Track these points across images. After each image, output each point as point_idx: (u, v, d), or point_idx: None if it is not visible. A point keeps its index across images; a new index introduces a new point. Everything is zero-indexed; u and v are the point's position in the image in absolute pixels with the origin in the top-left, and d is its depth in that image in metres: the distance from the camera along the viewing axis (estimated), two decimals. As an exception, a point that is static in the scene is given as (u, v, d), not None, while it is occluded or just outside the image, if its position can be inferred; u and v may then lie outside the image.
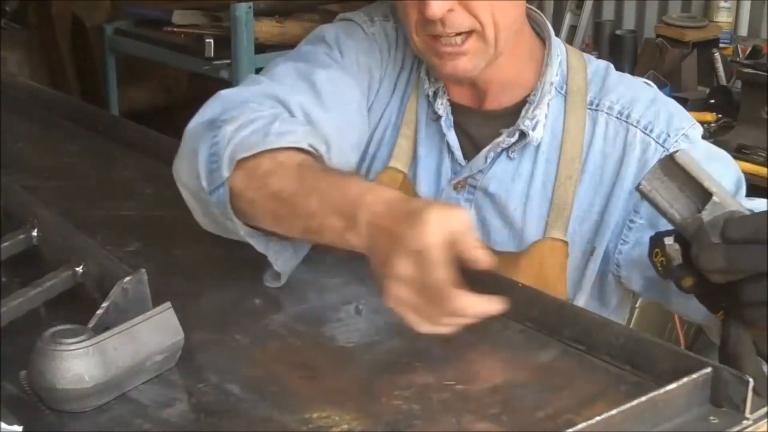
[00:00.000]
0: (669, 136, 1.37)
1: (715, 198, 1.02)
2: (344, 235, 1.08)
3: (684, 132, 1.37)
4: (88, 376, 0.88)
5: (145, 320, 0.93)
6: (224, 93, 1.32)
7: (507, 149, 1.41)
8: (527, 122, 1.39)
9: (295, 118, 1.27)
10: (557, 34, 1.50)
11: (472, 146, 1.44)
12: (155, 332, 0.94)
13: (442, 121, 1.44)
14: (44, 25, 4.61)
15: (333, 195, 1.09)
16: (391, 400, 0.93)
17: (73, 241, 1.12)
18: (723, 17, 3.98)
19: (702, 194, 1.03)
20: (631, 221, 1.35)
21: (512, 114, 1.42)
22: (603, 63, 1.47)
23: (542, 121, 1.40)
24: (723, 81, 3.61)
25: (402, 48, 1.50)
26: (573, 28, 4.31)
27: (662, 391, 0.86)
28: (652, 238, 1.09)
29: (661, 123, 1.38)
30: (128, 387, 0.93)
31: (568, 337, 1.02)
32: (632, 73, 3.89)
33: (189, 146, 1.23)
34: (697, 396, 0.88)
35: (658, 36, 3.84)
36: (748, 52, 3.63)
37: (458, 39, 1.32)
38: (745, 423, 0.86)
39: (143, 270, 1.01)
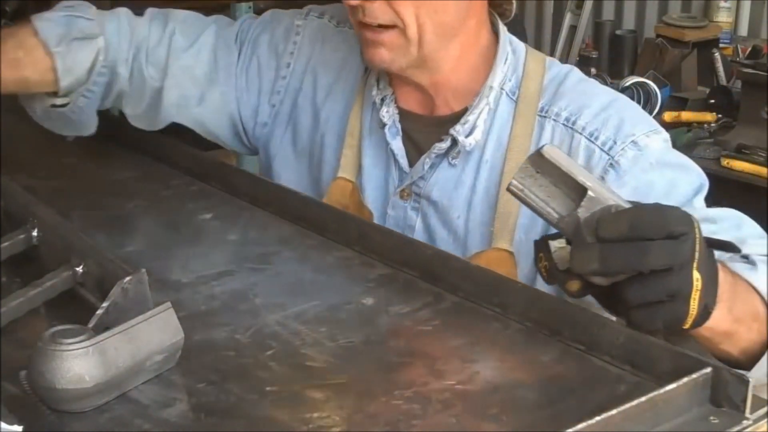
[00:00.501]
0: (615, 143, 1.33)
1: (590, 192, 0.95)
2: None
3: (633, 139, 1.33)
4: (88, 376, 0.88)
5: (145, 320, 0.93)
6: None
7: (446, 156, 1.40)
8: (458, 127, 1.38)
9: (118, 17, 1.55)
10: (557, 34, 1.50)
11: (417, 153, 1.43)
12: (155, 332, 0.94)
13: (386, 129, 1.43)
14: (44, 25, 4.61)
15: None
16: (391, 400, 0.93)
17: (73, 241, 1.12)
18: (723, 17, 3.98)
19: (578, 189, 0.96)
20: None
21: (457, 119, 1.40)
22: (565, 68, 1.44)
23: (481, 127, 1.38)
24: (723, 81, 3.61)
25: (337, 47, 1.52)
26: (573, 28, 4.31)
27: (662, 391, 0.86)
28: (535, 242, 1.03)
29: (609, 130, 1.34)
30: (128, 387, 0.93)
31: (568, 337, 1.02)
32: (632, 73, 3.90)
33: None
34: (697, 396, 0.88)
35: (658, 36, 3.84)
36: (748, 52, 3.63)
37: (380, 28, 1.32)
38: (745, 423, 0.86)
39: (143, 270, 1.01)
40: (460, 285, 1.14)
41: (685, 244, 0.93)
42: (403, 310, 1.12)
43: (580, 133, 1.35)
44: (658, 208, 0.96)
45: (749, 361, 1.10)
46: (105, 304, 0.97)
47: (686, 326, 0.96)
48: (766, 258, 1.16)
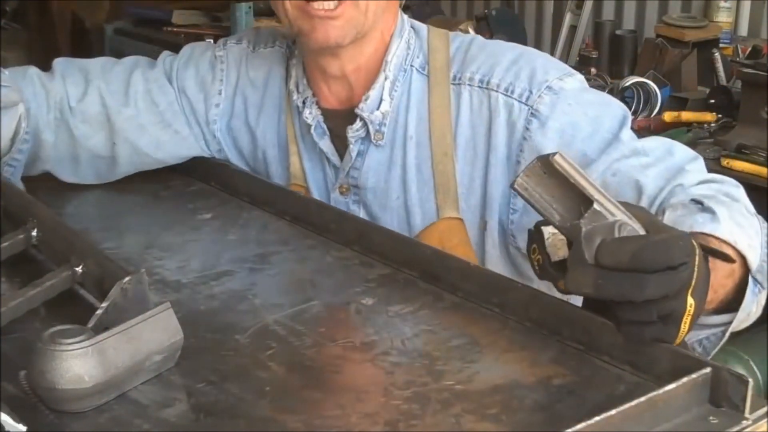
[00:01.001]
0: (531, 92, 1.35)
1: (596, 206, 0.93)
2: None
3: (548, 84, 1.34)
4: (87, 376, 0.88)
5: (144, 320, 0.93)
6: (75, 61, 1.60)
7: (370, 140, 1.42)
8: (362, 105, 1.40)
9: (33, 88, 1.50)
10: (557, 34, 1.50)
11: (345, 148, 1.45)
12: (155, 332, 0.94)
13: (313, 131, 1.45)
14: (44, 25, 4.61)
15: None
16: (391, 400, 0.93)
17: (73, 241, 1.12)
18: (723, 17, 3.97)
19: (584, 199, 0.94)
20: None
21: None
22: (468, 37, 1.46)
23: (387, 100, 1.40)
24: (723, 81, 3.60)
25: (259, 67, 1.54)
26: (573, 28, 4.30)
27: (662, 391, 0.86)
28: (529, 231, 1.01)
29: (523, 81, 1.36)
30: (128, 387, 0.93)
31: (567, 336, 1.02)
32: (632, 73, 3.88)
33: None
34: (697, 396, 0.88)
35: (658, 36, 3.83)
36: (748, 52, 3.63)
37: (331, 3, 1.32)
38: (745, 423, 0.86)
39: (143, 270, 1.01)
40: (460, 285, 1.14)
41: (684, 273, 0.91)
42: (403, 310, 1.12)
43: (496, 91, 1.37)
44: (663, 241, 0.92)
45: (724, 305, 1.11)
46: (104, 304, 0.97)
47: (675, 343, 0.95)
48: (709, 184, 1.20)
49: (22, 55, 4.53)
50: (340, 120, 1.45)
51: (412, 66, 1.42)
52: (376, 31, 1.40)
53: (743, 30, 4.00)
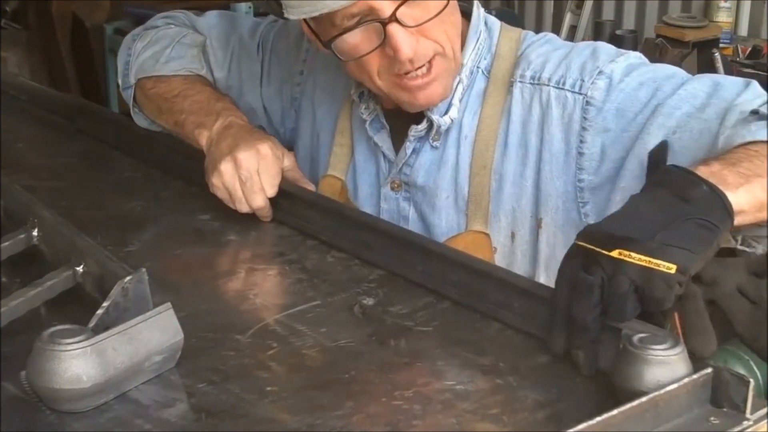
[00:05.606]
0: (584, 81, 1.32)
1: None
2: (196, 131, 1.48)
3: (599, 70, 1.32)
4: (86, 376, 0.88)
5: (144, 320, 0.93)
6: (178, 13, 1.72)
7: (427, 139, 1.41)
8: (433, 108, 1.38)
9: (188, 42, 1.63)
10: (557, 35, 1.48)
11: (401, 143, 1.44)
12: (155, 332, 0.94)
13: (367, 125, 1.45)
14: (44, 25, 4.61)
15: (202, 101, 1.53)
16: (391, 400, 0.93)
17: (73, 241, 1.12)
18: (723, 17, 3.97)
19: None
20: (580, 180, 1.32)
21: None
22: (537, 37, 1.43)
23: (456, 105, 1.38)
24: (723, 81, 3.60)
25: (314, 60, 1.55)
26: (573, 28, 4.31)
27: (663, 391, 0.86)
28: None
29: (574, 72, 1.34)
30: (127, 387, 0.93)
31: (568, 337, 1.02)
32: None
33: (120, 50, 1.70)
34: (698, 396, 0.88)
35: (658, 36, 3.84)
36: (748, 52, 3.63)
37: (423, 69, 1.30)
38: (746, 423, 0.86)
39: (143, 270, 1.01)
40: (459, 282, 1.13)
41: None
42: (403, 310, 1.12)
43: (548, 85, 1.35)
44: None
45: None
46: (105, 304, 0.97)
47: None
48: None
49: (22, 55, 4.53)
50: (396, 116, 1.43)
51: (478, 68, 1.40)
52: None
53: (743, 30, 4.00)
